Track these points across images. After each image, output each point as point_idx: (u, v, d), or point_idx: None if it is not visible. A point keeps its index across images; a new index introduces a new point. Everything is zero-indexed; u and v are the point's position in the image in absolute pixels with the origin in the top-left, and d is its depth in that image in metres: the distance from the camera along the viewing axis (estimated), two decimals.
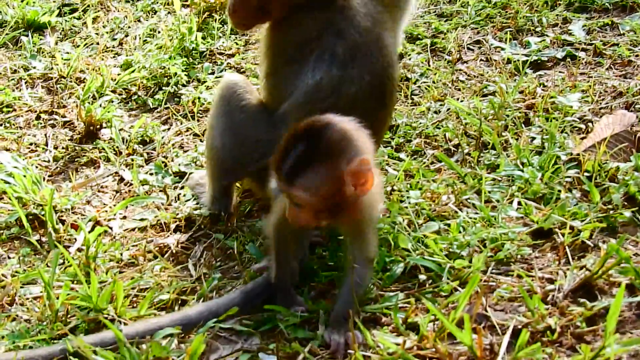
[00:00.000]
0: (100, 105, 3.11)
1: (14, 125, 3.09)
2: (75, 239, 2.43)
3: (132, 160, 2.82)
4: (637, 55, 3.29)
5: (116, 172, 2.79)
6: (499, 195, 2.45)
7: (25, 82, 3.36)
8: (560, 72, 3.23)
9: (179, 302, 2.16)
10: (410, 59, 3.36)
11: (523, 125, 2.85)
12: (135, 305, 2.14)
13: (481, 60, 3.36)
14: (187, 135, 2.98)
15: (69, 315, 2.08)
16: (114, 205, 2.59)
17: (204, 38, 3.58)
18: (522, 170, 2.53)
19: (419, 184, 2.53)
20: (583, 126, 2.82)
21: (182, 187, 2.66)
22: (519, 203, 2.41)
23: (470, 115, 2.87)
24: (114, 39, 3.70)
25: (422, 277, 2.15)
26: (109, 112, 3.03)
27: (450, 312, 1.91)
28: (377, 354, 1.86)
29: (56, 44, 3.64)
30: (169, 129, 3.03)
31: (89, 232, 2.36)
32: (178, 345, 1.97)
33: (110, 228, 2.49)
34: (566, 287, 2.04)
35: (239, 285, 2.19)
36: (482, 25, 3.61)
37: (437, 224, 2.33)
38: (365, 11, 2.27)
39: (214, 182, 2.47)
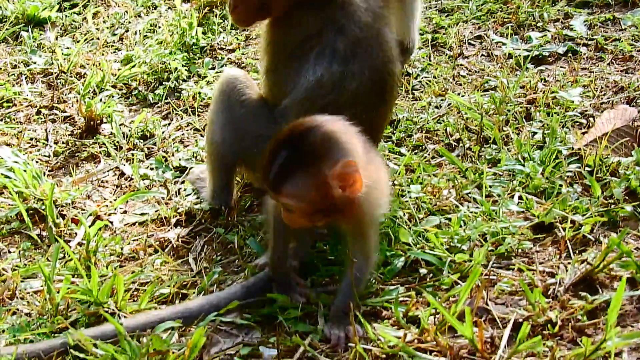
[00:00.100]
0: (101, 100, 3.11)
1: (14, 120, 3.08)
2: (76, 233, 2.43)
3: (133, 155, 2.81)
4: (638, 51, 3.28)
5: (117, 167, 2.79)
6: (500, 190, 2.45)
7: (26, 77, 3.35)
8: (561, 67, 3.23)
9: (180, 296, 2.16)
10: (411, 54, 3.35)
11: (524, 120, 2.84)
12: (135, 299, 2.15)
13: (482, 55, 3.36)
14: (187, 130, 2.97)
15: (69, 309, 2.08)
16: (115, 200, 2.59)
17: (204, 33, 3.58)
18: (524, 165, 2.53)
19: (419, 178, 2.53)
20: (584, 121, 2.82)
21: (183, 182, 2.66)
22: (520, 197, 2.41)
23: (471, 110, 2.87)
24: (115, 34, 3.69)
25: (423, 270, 2.15)
26: (109, 107, 3.03)
27: (451, 306, 1.91)
28: (378, 347, 1.87)
29: (56, 39, 3.63)
30: (169, 123, 3.03)
31: (90, 226, 2.36)
32: (179, 339, 1.97)
33: (111, 222, 2.50)
34: (567, 281, 2.04)
35: (240, 279, 2.19)
36: (484, 21, 3.60)
37: (438, 218, 2.33)
38: (366, 6, 2.27)
39: (215, 177, 2.47)
